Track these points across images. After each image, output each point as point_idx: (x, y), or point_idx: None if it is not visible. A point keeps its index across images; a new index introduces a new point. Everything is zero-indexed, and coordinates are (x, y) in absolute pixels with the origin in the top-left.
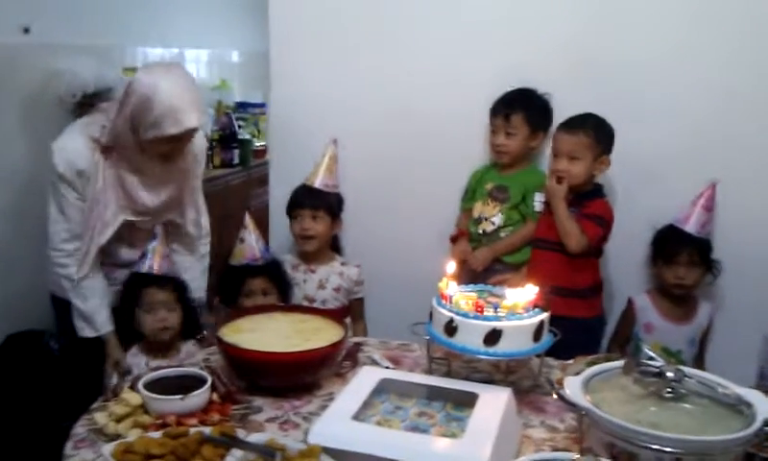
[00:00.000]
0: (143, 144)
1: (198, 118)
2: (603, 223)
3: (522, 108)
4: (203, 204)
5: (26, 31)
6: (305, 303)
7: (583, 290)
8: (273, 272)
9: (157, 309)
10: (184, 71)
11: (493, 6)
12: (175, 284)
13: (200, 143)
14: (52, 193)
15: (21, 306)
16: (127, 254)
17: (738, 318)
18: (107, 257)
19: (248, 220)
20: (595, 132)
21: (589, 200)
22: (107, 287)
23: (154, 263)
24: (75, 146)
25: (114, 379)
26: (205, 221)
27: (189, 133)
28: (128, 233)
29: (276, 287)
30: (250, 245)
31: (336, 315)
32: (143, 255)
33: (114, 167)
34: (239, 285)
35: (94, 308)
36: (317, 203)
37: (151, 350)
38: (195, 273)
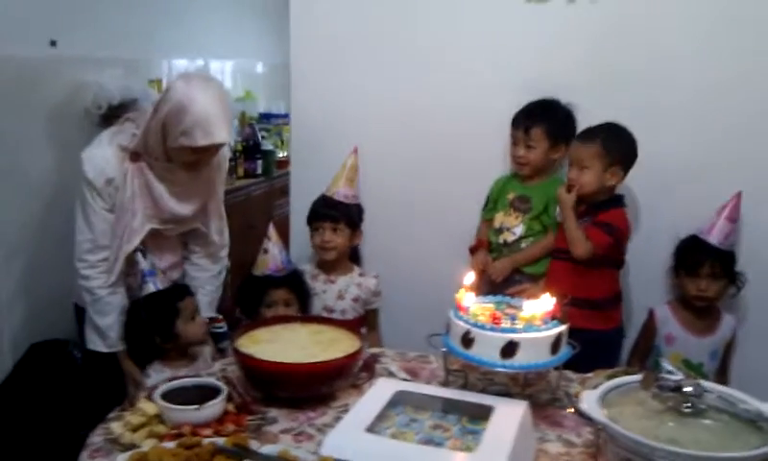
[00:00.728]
0: (171, 151)
1: (227, 134)
2: (612, 231)
3: (542, 120)
4: (224, 213)
5: (53, 44)
6: (325, 314)
7: (599, 301)
8: (294, 283)
9: (196, 315)
10: (221, 87)
11: (515, 16)
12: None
13: (223, 151)
14: (80, 202)
15: (46, 315)
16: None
17: (763, 331)
18: (131, 267)
19: (272, 231)
20: (605, 142)
21: (605, 210)
22: (123, 302)
23: (153, 283)
24: (104, 154)
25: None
26: (226, 231)
27: (216, 147)
28: (153, 242)
29: (297, 298)
30: (273, 256)
31: (353, 326)
32: (141, 279)
33: (142, 176)
34: (261, 296)
35: (110, 325)
36: (337, 215)
37: (172, 361)
38: (211, 287)
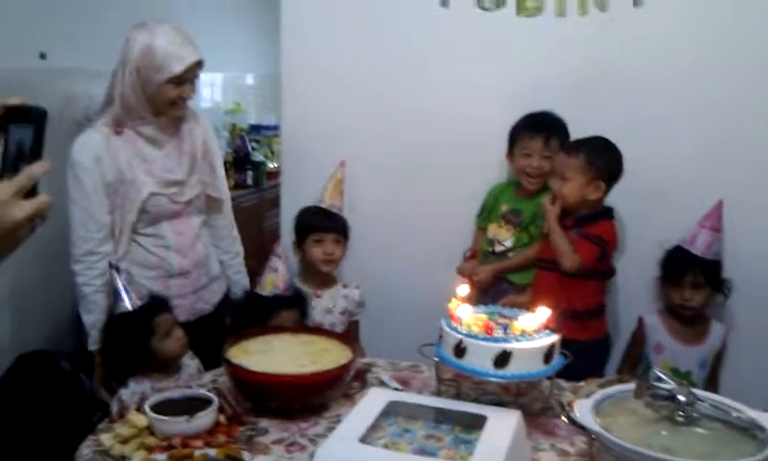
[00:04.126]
0: (154, 98)
1: (197, 52)
2: (599, 242)
3: (557, 130)
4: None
5: (42, 56)
6: None
7: (584, 312)
8: (303, 304)
9: (173, 331)
10: (171, 22)
11: (506, 30)
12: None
13: (204, 123)
14: (71, 197)
15: (33, 327)
16: (173, 235)
17: (753, 339)
18: (159, 240)
19: (281, 249)
20: (588, 155)
21: (593, 222)
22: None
23: (129, 301)
24: (91, 136)
25: (114, 409)
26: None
27: (192, 70)
28: (168, 215)
29: (302, 320)
30: (283, 275)
31: (345, 337)
32: (116, 296)
33: (130, 145)
34: (269, 315)
35: (92, 323)
36: (339, 226)
37: (153, 374)
38: (237, 261)
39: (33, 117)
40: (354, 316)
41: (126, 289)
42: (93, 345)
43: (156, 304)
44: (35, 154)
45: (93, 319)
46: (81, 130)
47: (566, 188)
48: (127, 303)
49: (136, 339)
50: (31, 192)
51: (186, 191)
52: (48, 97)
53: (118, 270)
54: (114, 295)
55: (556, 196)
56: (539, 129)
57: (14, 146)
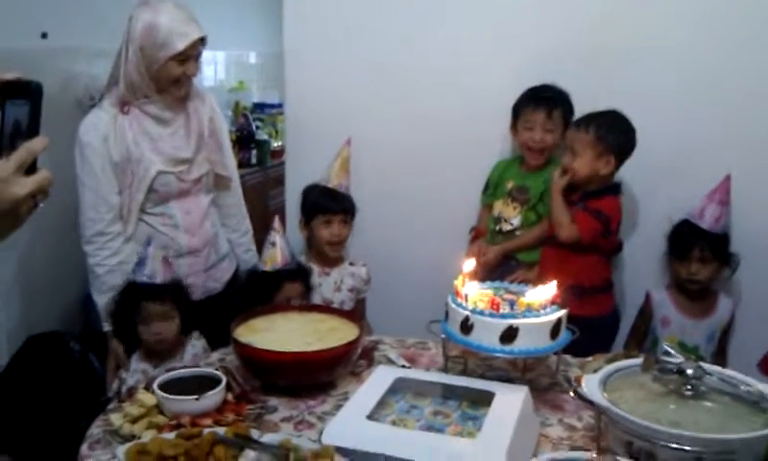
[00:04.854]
0: (158, 76)
1: (200, 28)
2: (601, 217)
3: (560, 103)
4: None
5: (44, 36)
6: None
7: (591, 288)
8: (306, 276)
9: (152, 321)
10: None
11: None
12: (172, 292)
13: (211, 101)
14: (79, 177)
15: (42, 308)
16: (181, 214)
17: (761, 313)
18: (168, 219)
19: (278, 224)
20: (599, 130)
21: (598, 197)
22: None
23: (150, 270)
24: (98, 115)
25: (114, 387)
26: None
27: (195, 47)
28: (176, 194)
29: (307, 292)
30: (282, 249)
31: (352, 315)
32: (140, 262)
33: (137, 123)
34: (273, 290)
35: (106, 304)
36: (347, 207)
37: (154, 356)
38: (246, 239)
39: (29, 92)
40: (361, 294)
41: (149, 261)
42: (107, 326)
43: (147, 292)
44: (32, 130)
45: (106, 300)
46: (82, 109)
47: (577, 163)
48: (143, 271)
49: (124, 313)
50: (31, 169)
51: (194, 169)
52: (49, 76)
53: (151, 240)
54: (138, 259)
55: (566, 170)
56: (541, 102)
57: (11, 122)
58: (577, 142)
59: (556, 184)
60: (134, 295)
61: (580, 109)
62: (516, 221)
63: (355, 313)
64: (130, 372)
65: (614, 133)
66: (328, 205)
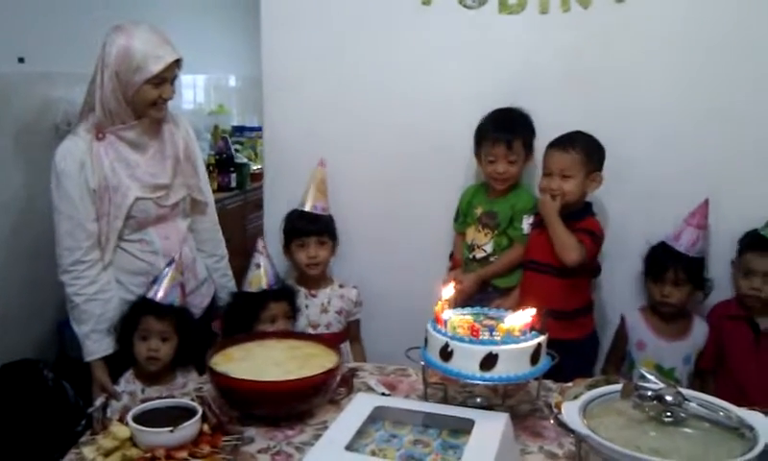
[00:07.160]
0: (133, 101)
1: (175, 51)
2: (595, 237)
3: (520, 131)
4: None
5: (21, 60)
6: (310, 329)
7: (574, 311)
8: (292, 296)
9: (151, 338)
10: (148, 23)
11: (488, 28)
12: (176, 315)
13: (184, 125)
14: (56, 207)
15: (16, 335)
16: (159, 239)
17: None
18: (146, 245)
19: (262, 246)
20: (586, 149)
21: (579, 219)
22: (104, 313)
23: (160, 290)
24: (74, 142)
25: (98, 403)
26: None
27: (171, 69)
28: (154, 220)
29: (292, 312)
30: (266, 270)
31: (332, 341)
32: (155, 281)
33: (113, 150)
34: (257, 311)
35: (86, 334)
36: (321, 229)
37: (146, 377)
38: (222, 264)
39: None
40: (353, 316)
41: (163, 280)
42: (89, 355)
43: (152, 307)
44: None
45: (87, 329)
46: (60, 134)
47: (568, 185)
48: (151, 291)
49: (125, 327)
50: None
51: (172, 195)
52: (27, 101)
53: (173, 261)
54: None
55: (554, 195)
56: (500, 133)
57: None
58: (568, 164)
59: (550, 210)
60: (138, 309)
61: (557, 132)
62: (489, 247)
63: (340, 337)
64: (120, 390)
65: (599, 150)
66: (302, 227)
